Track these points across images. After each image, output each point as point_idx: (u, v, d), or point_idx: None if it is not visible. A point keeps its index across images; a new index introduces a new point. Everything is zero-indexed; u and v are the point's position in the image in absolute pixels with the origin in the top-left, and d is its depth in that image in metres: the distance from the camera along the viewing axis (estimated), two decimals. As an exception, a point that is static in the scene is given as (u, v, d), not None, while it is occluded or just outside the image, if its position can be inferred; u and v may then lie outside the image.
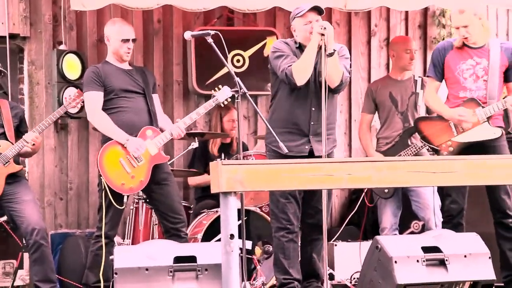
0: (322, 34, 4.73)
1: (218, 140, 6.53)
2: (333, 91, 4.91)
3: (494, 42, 5.17)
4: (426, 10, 7.30)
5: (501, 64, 5.10)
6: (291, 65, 4.82)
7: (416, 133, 5.79)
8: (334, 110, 5.07)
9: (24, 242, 5.45)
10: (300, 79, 4.81)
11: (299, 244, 5.12)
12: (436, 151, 5.27)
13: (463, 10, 5.05)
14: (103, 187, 5.07)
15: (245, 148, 6.61)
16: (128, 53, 5.26)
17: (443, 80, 5.28)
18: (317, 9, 4.90)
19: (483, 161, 3.50)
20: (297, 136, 4.94)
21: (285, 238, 4.95)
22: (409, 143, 5.88)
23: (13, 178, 5.34)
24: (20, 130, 5.45)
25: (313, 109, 4.91)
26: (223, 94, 5.24)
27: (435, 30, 7.41)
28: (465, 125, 5.11)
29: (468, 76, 5.13)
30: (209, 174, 6.25)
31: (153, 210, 5.81)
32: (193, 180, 6.51)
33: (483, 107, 5.10)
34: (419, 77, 6.08)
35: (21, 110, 5.64)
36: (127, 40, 5.24)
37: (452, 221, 5.22)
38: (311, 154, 4.94)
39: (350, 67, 5.08)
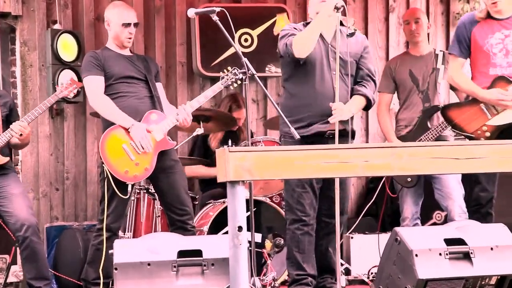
0: (338, 9, 4.70)
1: (219, 133, 6.48)
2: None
3: None
4: (448, -17, 7.27)
5: None
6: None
7: (437, 114, 5.75)
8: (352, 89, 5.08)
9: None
10: (299, 50, 4.78)
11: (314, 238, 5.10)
12: (471, 139, 5.18)
13: None
14: (105, 176, 5.07)
15: (253, 134, 6.60)
16: (130, 38, 5.26)
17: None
18: None
19: (511, 146, 3.48)
20: (320, 117, 4.91)
21: (300, 231, 4.94)
22: (429, 125, 5.84)
23: (0, 171, 5.33)
24: (10, 120, 5.43)
25: (335, 86, 4.89)
26: (233, 76, 5.22)
27: (458, 5, 7.36)
28: (501, 108, 5.02)
29: (497, 51, 5.06)
30: (205, 165, 6.27)
31: (155, 202, 5.81)
32: (190, 171, 6.45)
33: None
34: (440, 51, 6.03)
35: (11, 99, 5.59)
36: (128, 25, 5.23)
37: (480, 211, 5.18)
38: (331, 136, 4.91)
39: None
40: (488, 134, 5.09)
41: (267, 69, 6.84)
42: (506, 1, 5.02)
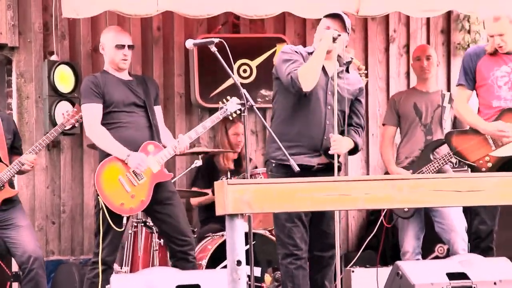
0: (334, 39, 4.75)
1: (230, 154, 6.52)
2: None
3: None
4: (449, 14, 7.31)
5: None
6: (297, 69, 4.83)
7: (440, 148, 5.78)
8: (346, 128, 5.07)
9: (13, 271, 5.46)
10: (306, 83, 4.79)
11: (309, 272, 5.08)
12: (473, 168, 5.19)
13: (499, 17, 5.01)
14: (100, 208, 5.07)
15: (253, 166, 6.61)
16: (124, 60, 5.24)
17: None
18: (339, 18, 4.90)
19: (514, 179, 3.49)
20: (307, 150, 4.91)
21: (293, 265, 4.93)
22: (432, 158, 5.87)
23: (8, 203, 5.38)
24: (14, 145, 5.48)
25: (328, 122, 4.90)
26: (231, 106, 5.24)
27: (459, 36, 7.41)
28: (505, 140, 5.05)
29: (502, 84, 5.09)
30: (213, 192, 6.26)
31: (153, 235, 5.80)
32: (195, 199, 6.51)
33: None
34: (447, 91, 6.08)
35: (13, 123, 5.67)
36: (122, 46, 5.24)
37: (480, 245, 5.17)
38: (321, 171, 4.91)
39: (367, 107, 5.11)
40: (490, 164, 5.10)
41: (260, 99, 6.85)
42: (511, 44, 5.05)
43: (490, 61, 5.11)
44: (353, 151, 5.07)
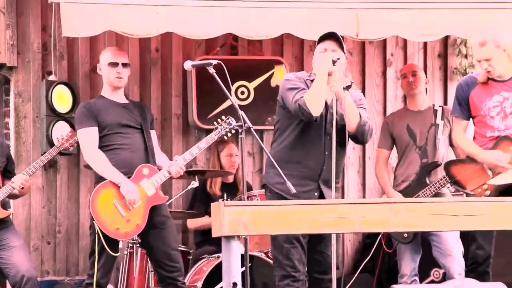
0: (334, 62, 4.76)
1: (219, 178, 6.53)
2: (358, 140, 4.91)
3: None
4: (446, 38, 7.34)
5: None
6: (303, 96, 4.84)
7: (436, 170, 5.79)
8: (343, 156, 5.05)
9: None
10: (315, 109, 4.79)
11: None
12: (471, 197, 5.18)
13: (484, 42, 5.00)
14: (95, 231, 5.06)
15: (249, 188, 6.60)
16: (119, 78, 5.24)
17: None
18: (334, 37, 4.92)
19: (510, 204, 3.50)
20: (305, 180, 4.91)
21: (291, 287, 4.91)
22: (427, 181, 5.87)
23: (1, 224, 5.35)
24: (7, 169, 5.48)
25: (327, 153, 4.88)
26: (227, 126, 5.25)
27: (456, 60, 7.44)
28: (504, 169, 5.06)
29: (495, 115, 5.09)
30: (210, 216, 6.25)
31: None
32: (193, 223, 6.50)
33: None
34: (439, 106, 6.09)
35: (7, 146, 5.67)
36: (115, 64, 5.25)
37: (477, 269, 5.16)
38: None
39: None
40: (488, 193, 5.10)
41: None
42: (503, 65, 5.04)
43: (482, 91, 5.11)
44: (358, 128, 4.86)
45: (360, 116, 4.83)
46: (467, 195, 5.21)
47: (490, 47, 4.97)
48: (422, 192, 5.86)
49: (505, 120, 5.07)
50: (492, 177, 5.10)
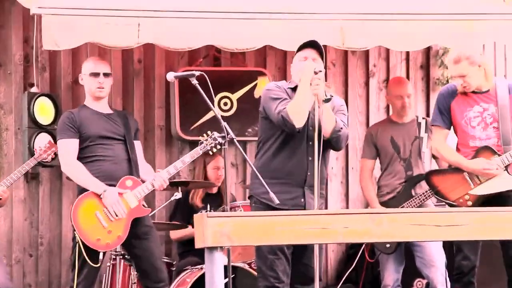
0: (316, 73, 4.77)
1: (201, 190, 6.51)
2: (332, 146, 4.89)
3: (502, 84, 5.18)
4: (428, 49, 7.38)
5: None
6: (286, 108, 4.84)
7: (421, 183, 5.81)
8: (327, 163, 5.07)
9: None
10: (298, 120, 4.80)
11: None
12: (453, 207, 5.21)
13: (459, 60, 5.07)
14: (77, 242, 5.04)
15: (233, 199, 6.60)
16: (100, 88, 5.25)
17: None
18: (315, 46, 4.93)
19: (493, 214, 3.51)
20: (291, 187, 4.92)
21: (274, 298, 4.91)
22: (413, 193, 5.89)
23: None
24: None
25: (310, 158, 4.90)
26: (212, 141, 5.25)
27: (438, 71, 7.48)
28: (491, 174, 5.07)
29: (476, 125, 5.13)
30: (193, 226, 6.24)
31: (131, 268, 5.77)
32: (176, 234, 6.48)
33: (499, 155, 5.09)
34: (423, 118, 6.12)
35: None
36: (97, 74, 5.25)
37: (462, 279, 5.17)
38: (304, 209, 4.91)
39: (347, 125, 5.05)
40: (470, 203, 5.13)
41: (246, 133, 6.88)
42: (478, 80, 5.08)
43: (462, 101, 5.16)
44: (333, 133, 4.86)
45: (336, 122, 4.84)
46: (450, 205, 5.23)
47: (464, 65, 5.06)
48: (407, 203, 5.89)
49: (486, 130, 5.11)
50: (474, 187, 5.13)
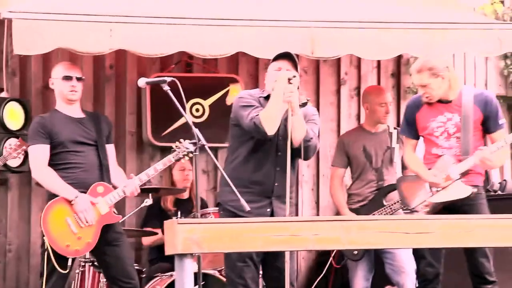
0: (289, 79, 4.78)
1: (170, 197, 6.49)
2: (300, 156, 4.87)
3: (467, 93, 5.22)
4: (399, 58, 7.43)
5: (475, 118, 5.14)
6: (259, 114, 4.86)
7: (393, 193, 5.85)
8: (296, 172, 5.08)
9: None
10: (270, 127, 4.81)
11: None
12: (414, 213, 5.28)
13: (421, 70, 5.13)
14: (45, 249, 5.01)
15: (204, 205, 6.59)
16: (72, 91, 5.22)
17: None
18: (289, 57, 4.95)
19: (460, 221, 3.55)
20: (258, 197, 4.92)
21: (244, 306, 4.91)
22: (384, 202, 5.93)
23: None
24: None
25: (278, 168, 4.91)
26: (185, 149, 5.24)
27: (408, 79, 7.52)
28: (439, 187, 5.16)
29: (439, 135, 5.19)
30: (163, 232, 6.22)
31: (100, 275, 5.74)
32: (148, 240, 6.46)
33: (455, 164, 5.16)
34: (394, 128, 6.17)
35: None
36: (69, 78, 5.23)
37: (427, 287, 5.22)
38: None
39: (319, 134, 5.07)
40: (427, 209, 5.21)
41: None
42: (440, 90, 5.12)
43: (427, 112, 5.21)
44: (303, 143, 4.84)
45: (306, 132, 4.87)
46: (411, 212, 5.31)
47: (425, 75, 5.12)
48: (378, 212, 5.93)
49: (449, 140, 5.17)
50: (431, 195, 5.20)
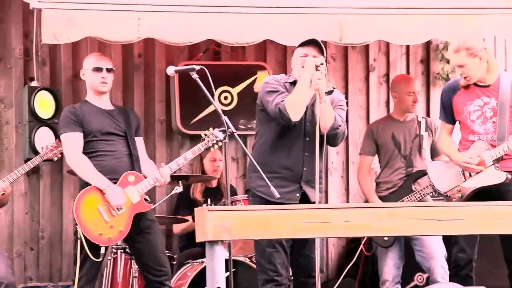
0: (317, 67, 4.76)
1: (199, 184, 6.52)
2: (329, 143, 4.84)
3: (505, 78, 5.18)
4: (428, 44, 7.38)
5: None
6: (284, 100, 4.85)
7: (422, 178, 5.83)
8: (324, 159, 5.05)
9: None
10: (295, 113, 4.81)
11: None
12: (446, 198, 5.26)
13: (458, 49, 5.10)
14: (78, 237, 5.05)
15: (234, 192, 6.61)
16: (103, 83, 5.25)
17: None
18: (316, 44, 4.93)
19: (492, 208, 3.52)
20: (287, 182, 4.93)
21: (273, 291, 4.92)
22: (413, 188, 5.91)
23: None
24: None
25: (306, 153, 4.91)
26: (214, 138, 5.25)
27: (438, 65, 7.48)
28: (474, 170, 5.12)
29: (475, 118, 5.15)
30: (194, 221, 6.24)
31: (132, 261, 5.78)
32: (178, 227, 6.49)
33: (490, 150, 5.11)
34: (422, 118, 6.14)
35: None
36: (100, 69, 5.25)
37: (460, 273, 5.19)
38: (302, 202, 4.91)
39: (347, 120, 5.04)
40: (459, 195, 5.18)
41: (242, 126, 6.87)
42: (478, 71, 5.08)
43: (464, 95, 5.18)
44: (333, 129, 4.83)
45: (335, 119, 4.85)
46: (443, 197, 5.28)
47: (463, 55, 5.08)
48: (407, 198, 5.90)
49: (485, 124, 5.13)
50: (464, 180, 5.17)
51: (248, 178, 5.07)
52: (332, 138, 4.86)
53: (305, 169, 4.92)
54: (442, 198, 5.52)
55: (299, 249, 4.98)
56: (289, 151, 4.93)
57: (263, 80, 5.10)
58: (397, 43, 6.63)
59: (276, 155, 4.95)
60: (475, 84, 5.16)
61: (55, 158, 5.63)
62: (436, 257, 5.84)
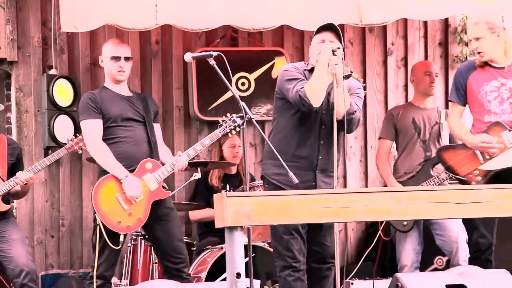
0: (334, 51, 4.73)
1: (217, 170, 6.52)
2: (343, 128, 4.79)
3: None
4: (447, 26, 7.33)
5: None
6: (304, 87, 4.83)
7: (440, 164, 5.79)
8: (340, 145, 5.02)
9: (12, 285, 5.46)
10: (315, 99, 4.79)
11: (307, 284, 5.08)
12: (463, 182, 5.21)
13: (477, 22, 5.08)
14: (97, 224, 5.06)
15: (252, 179, 6.61)
16: (121, 72, 5.25)
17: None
18: (333, 29, 4.90)
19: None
20: (302, 171, 4.90)
21: (291, 277, 4.92)
22: (432, 173, 5.88)
23: (1, 217, 5.36)
24: (14, 170, 5.48)
25: (322, 142, 4.89)
26: (231, 124, 5.25)
27: (457, 48, 7.43)
28: (491, 152, 5.08)
29: (492, 99, 5.11)
30: (212, 207, 6.25)
31: (152, 248, 5.79)
32: (195, 215, 6.50)
33: (510, 130, 5.08)
34: (443, 109, 6.12)
35: (19, 149, 5.69)
36: (118, 58, 5.25)
37: (480, 257, 5.17)
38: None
39: (364, 107, 5.01)
40: (479, 178, 5.13)
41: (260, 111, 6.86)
42: (493, 48, 5.04)
43: (480, 76, 5.14)
44: (349, 115, 4.79)
45: (350, 104, 4.82)
46: (460, 181, 5.22)
47: (482, 28, 5.04)
48: (426, 182, 5.88)
49: (502, 105, 5.09)
50: (483, 163, 5.12)
51: (263, 165, 5.06)
52: (347, 124, 4.82)
53: (320, 157, 4.90)
54: (459, 182, 5.48)
55: (314, 236, 4.98)
56: (305, 140, 4.91)
57: (282, 68, 5.08)
58: (417, 19, 6.54)
59: (292, 144, 4.93)
60: (491, 65, 5.12)
61: (80, 151, 5.66)
62: (458, 241, 5.82)
